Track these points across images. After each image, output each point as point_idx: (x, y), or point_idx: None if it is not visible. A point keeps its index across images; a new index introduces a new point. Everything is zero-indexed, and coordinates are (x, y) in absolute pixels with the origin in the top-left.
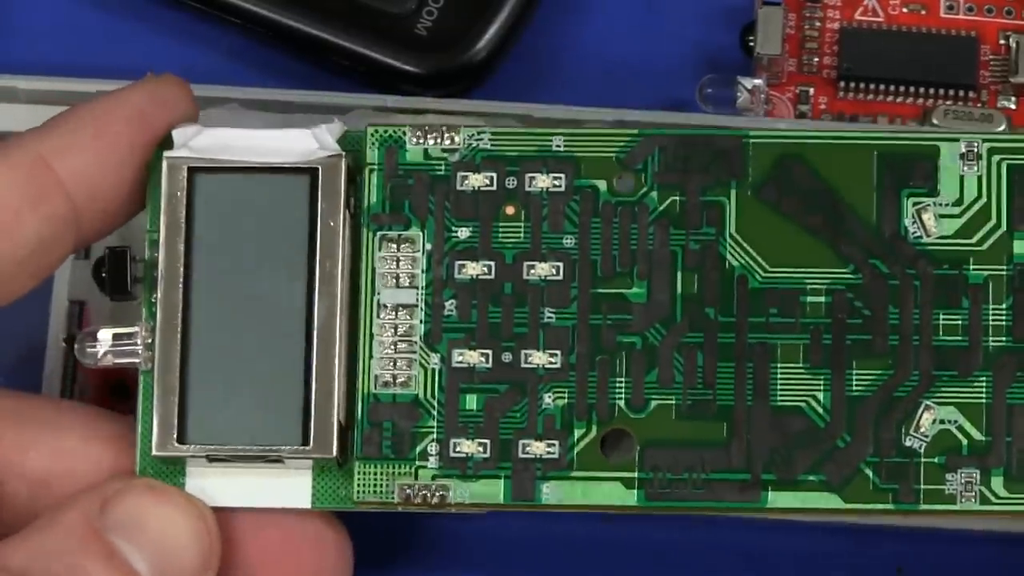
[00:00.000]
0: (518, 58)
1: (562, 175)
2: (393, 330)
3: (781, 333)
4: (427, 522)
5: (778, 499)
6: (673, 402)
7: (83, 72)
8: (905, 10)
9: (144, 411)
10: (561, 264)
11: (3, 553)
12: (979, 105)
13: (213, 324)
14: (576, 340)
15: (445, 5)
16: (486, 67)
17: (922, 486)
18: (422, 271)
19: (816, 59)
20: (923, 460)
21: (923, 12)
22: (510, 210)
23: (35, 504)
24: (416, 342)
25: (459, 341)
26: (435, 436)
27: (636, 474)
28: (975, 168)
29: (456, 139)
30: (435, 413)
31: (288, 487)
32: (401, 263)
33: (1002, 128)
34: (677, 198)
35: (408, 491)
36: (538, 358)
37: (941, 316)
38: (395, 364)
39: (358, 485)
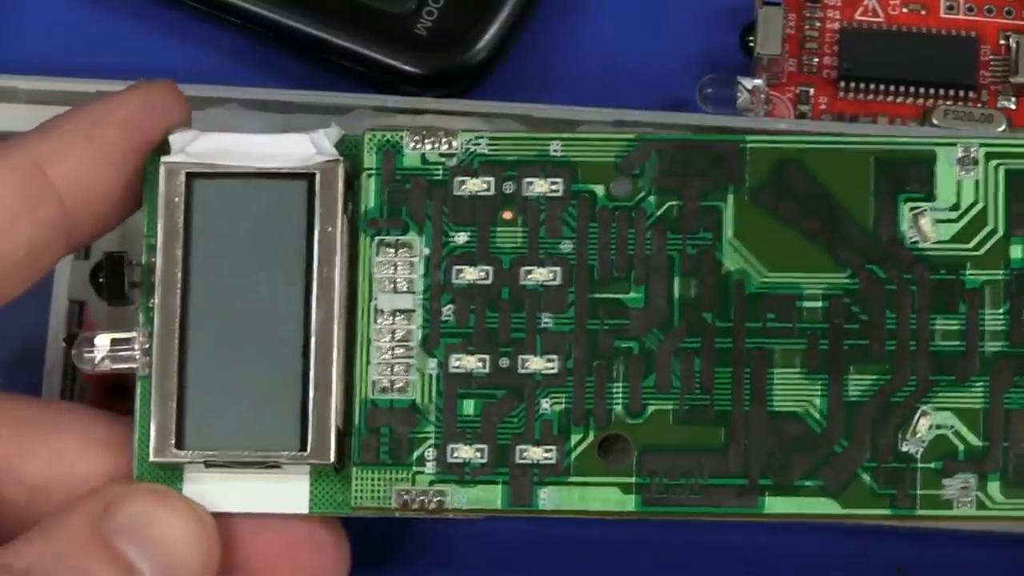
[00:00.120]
0: (518, 58)
1: (560, 180)
2: (391, 335)
3: (778, 338)
4: (424, 525)
5: (775, 504)
6: (670, 407)
7: (83, 72)
8: (905, 10)
9: (142, 417)
10: (559, 269)
11: (7, 555)
12: (979, 105)
13: (211, 330)
14: (574, 345)
15: (445, 5)
16: (486, 67)
17: (919, 491)
18: (420, 276)
19: (816, 59)
20: (920, 465)
21: (923, 12)
22: (508, 215)
23: (33, 509)
24: (414, 347)
25: (457, 346)
26: (433, 442)
27: (634, 479)
28: (972, 173)
29: (454, 144)
30: (433, 419)
31: (286, 492)
32: (399, 268)
33: (1002, 128)
34: (674, 203)
35: (406, 497)
36: (536, 363)
37: (938, 321)
38: (393, 369)
39: (356, 491)
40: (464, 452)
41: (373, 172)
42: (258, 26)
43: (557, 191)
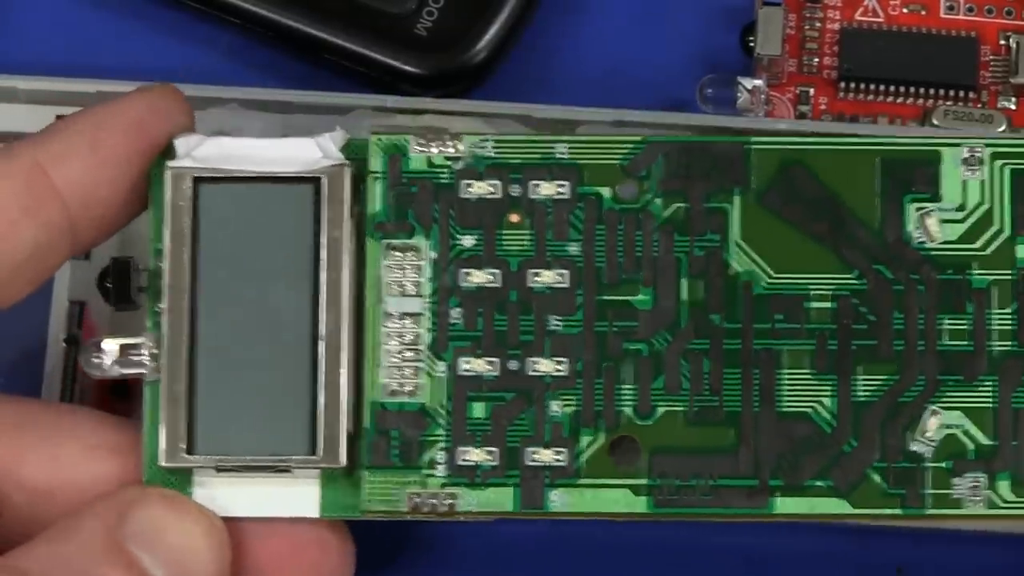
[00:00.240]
0: (518, 58)
1: (566, 182)
2: (399, 339)
3: (787, 339)
4: (429, 526)
5: (786, 505)
6: (680, 409)
7: (83, 72)
8: (905, 10)
9: (151, 422)
10: (566, 271)
11: (21, 558)
12: (979, 106)
13: (219, 334)
14: (582, 347)
15: (445, 5)
16: (486, 67)
17: (929, 491)
18: (427, 279)
19: (816, 59)
20: (930, 465)
21: (923, 12)
22: (514, 218)
23: (35, 513)
24: (422, 350)
25: (465, 349)
26: (443, 444)
27: (644, 481)
28: (978, 173)
29: (460, 147)
30: (442, 421)
31: (296, 496)
32: (406, 271)
33: (1002, 128)
34: (681, 205)
35: (416, 500)
36: (545, 366)
37: (946, 321)
38: (402, 373)
39: (366, 494)
40: (474, 455)
41: (379, 176)
42: (258, 26)
43: (564, 193)
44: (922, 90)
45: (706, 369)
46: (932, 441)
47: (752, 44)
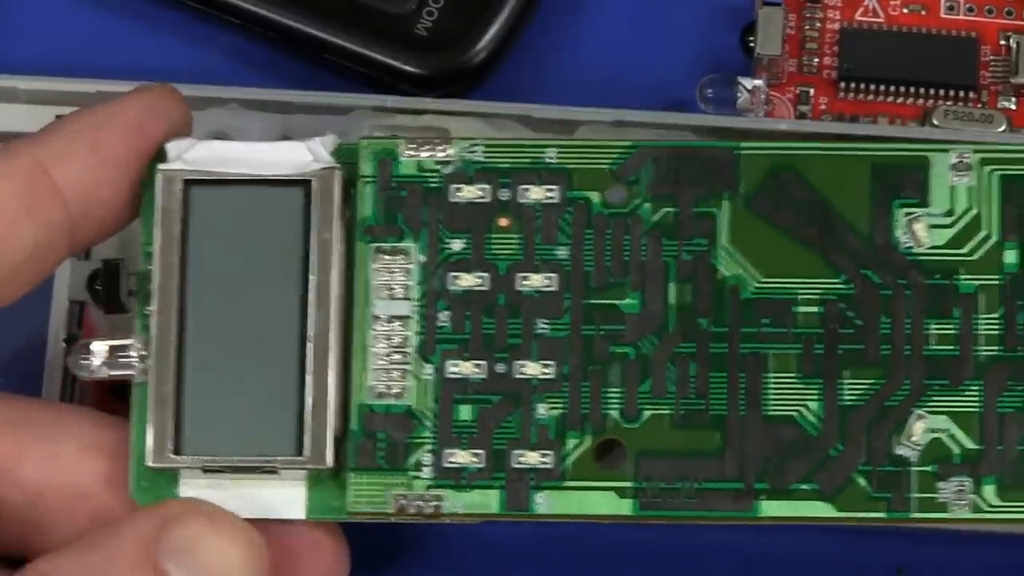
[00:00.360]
0: (518, 58)
1: (555, 187)
2: (387, 341)
3: (773, 343)
4: (421, 528)
5: (771, 508)
6: (666, 412)
7: (83, 72)
8: (905, 10)
9: (138, 423)
10: (554, 275)
11: (56, 564)
12: (979, 106)
13: (208, 336)
14: (570, 351)
15: (445, 5)
16: (486, 68)
17: (914, 494)
18: (416, 283)
19: (816, 60)
20: (915, 469)
21: (923, 12)
22: (503, 222)
23: (31, 513)
24: (410, 353)
25: (453, 352)
26: (429, 447)
27: (630, 484)
28: (966, 179)
29: (449, 151)
30: (429, 424)
31: (282, 498)
32: (395, 275)
33: (1002, 129)
34: (670, 209)
35: (402, 501)
36: (532, 369)
37: (933, 326)
38: (389, 375)
39: (352, 495)
40: (460, 457)
41: (369, 179)
42: (258, 26)
43: (553, 198)
44: (922, 90)
45: (693, 373)
46: (918, 445)
47: (752, 44)
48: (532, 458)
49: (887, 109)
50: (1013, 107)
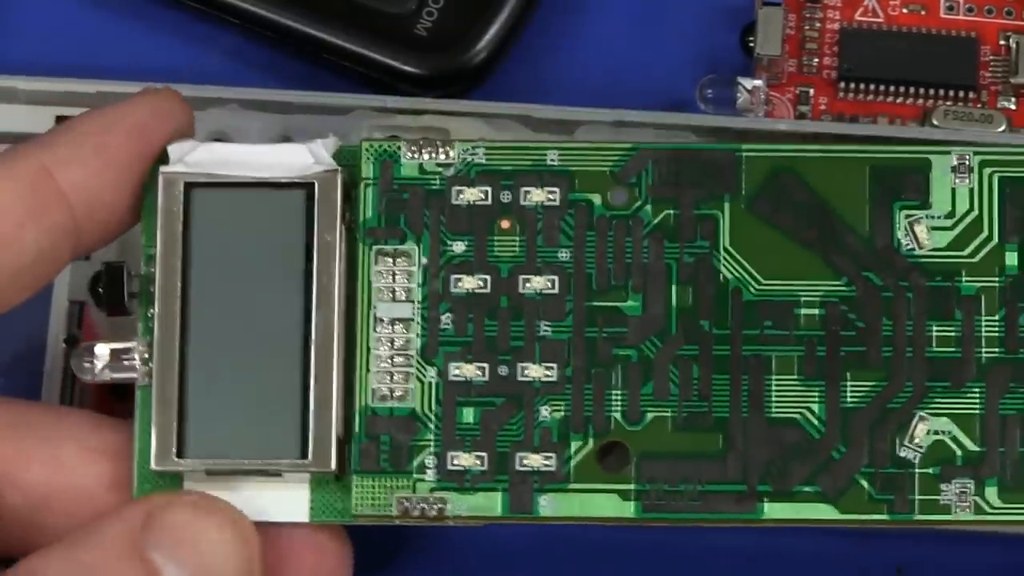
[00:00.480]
0: (518, 58)
1: (557, 189)
2: (390, 344)
3: (775, 345)
4: (425, 529)
5: (774, 510)
6: (669, 414)
7: (83, 72)
8: (905, 10)
9: (142, 426)
10: (556, 278)
11: (42, 562)
12: (979, 106)
13: (211, 339)
14: (572, 353)
15: (445, 5)
16: (486, 68)
17: (917, 496)
18: (418, 285)
19: (816, 60)
20: (917, 471)
21: (923, 12)
22: (505, 224)
23: (33, 516)
24: (413, 356)
25: (455, 355)
26: (432, 449)
27: (633, 486)
28: (967, 180)
29: (451, 153)
30: (432, 426)
31: (286, 500)
32: (397, 277)
33: (1002, 129)
34: (671, 212)
35: (406, 504)
36: (534, 371)
37: (934, 328)
38: (392, 378)
39: (356, 498)
40: (464, 460)
41: (371, 182)
42: (258, 26)
43: (554, 200)
44: (922, 90)
45: (695, 375)
46: (920, 447)
47: (752, 44)
48: (535, 460)
49: (887, 109)
50: (1013, 107)
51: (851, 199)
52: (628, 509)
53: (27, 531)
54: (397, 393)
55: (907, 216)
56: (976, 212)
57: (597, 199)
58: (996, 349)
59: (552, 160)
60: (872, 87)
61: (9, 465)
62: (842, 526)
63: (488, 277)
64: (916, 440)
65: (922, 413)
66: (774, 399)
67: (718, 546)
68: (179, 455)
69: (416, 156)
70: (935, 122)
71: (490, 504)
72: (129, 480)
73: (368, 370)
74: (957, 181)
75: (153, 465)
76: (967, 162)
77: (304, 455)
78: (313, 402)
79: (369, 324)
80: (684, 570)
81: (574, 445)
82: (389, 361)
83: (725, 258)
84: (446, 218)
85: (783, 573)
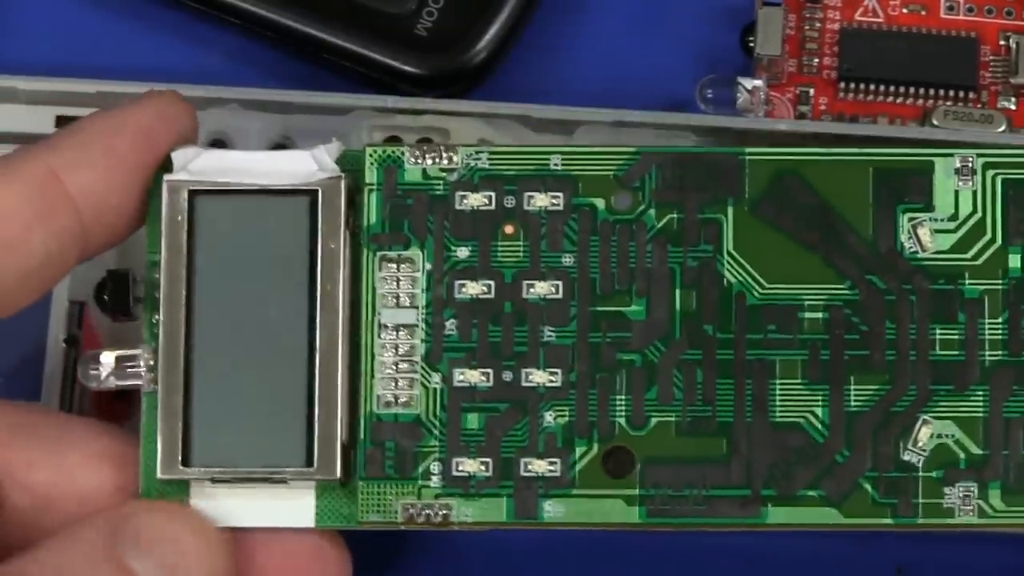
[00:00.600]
0: (518, 58)
1: (560, 194)
2: (394, 350)
3: (779, 349)
4: (427, 533)
5: (778, 515)
6: (673, 419)
7: (83, 72)
8: (905, 10)
9: (148, 433)
10: (560, 282)
11: (20, 563)
12: (979, 106)
13: (215, 346)
14: (576, 358)
15: (445, 5)
16: (486, 68)
17: (920, 500)
18: (422, 291)
19: (816, 60)
20: (921, 474)
21: (923, 12)
22: (509, 229)
23: (39, 519)
24: (417, 362)
25: (460, 360)
26: (437, 455)
27: (637, 491)
28: (970, 183)
29: (454, 159)
30: (437, 432)
31: (291, 507)
32: (401, 283)
33: (1002, 129)
34: (675, 216)
35: (411, 510)
36: (538, 376)
37: (938, 331)
38: (396, 384)
39: (361, 504)
40: (469, 465)
41: (375, 187)
42: (258, 26)
43: (558, 205)
44: (922, 90)
45: (699, 379)
46: (923, 451)
47: (752, 44)
48: (540, 466)
49: (887, 109)
50: (1013, 107)
51: (854, 202)
52: (633, 514)
53: (30, 532)
54: (402, 399)
55: (910, 219)
56: (979, 215)
57: (601, 203)
58: (999, 352)
59: (555, 165)
60: (872, 87)
61: (17, 467)
62: (845, 530)
63: (492, 282)
64: (920, 444)
65: (925, 416)
66: (778, 403)
67: (718, 546)
68: (184, 463)
69: (420, 161)
70: (935, 122)
71: (495, 510)
72: (135, 487)
73: (373, 376)
74: (960, 184)
75: (159, 474)
76: (970, 164)
77: (309, 463)
78: (318, 409)
79: (373, 330)
80: (684, 570)
81: (578, 450)
82: (394, 367)
83: (729, 262)
84: (450, 223)
85: (782, 573)
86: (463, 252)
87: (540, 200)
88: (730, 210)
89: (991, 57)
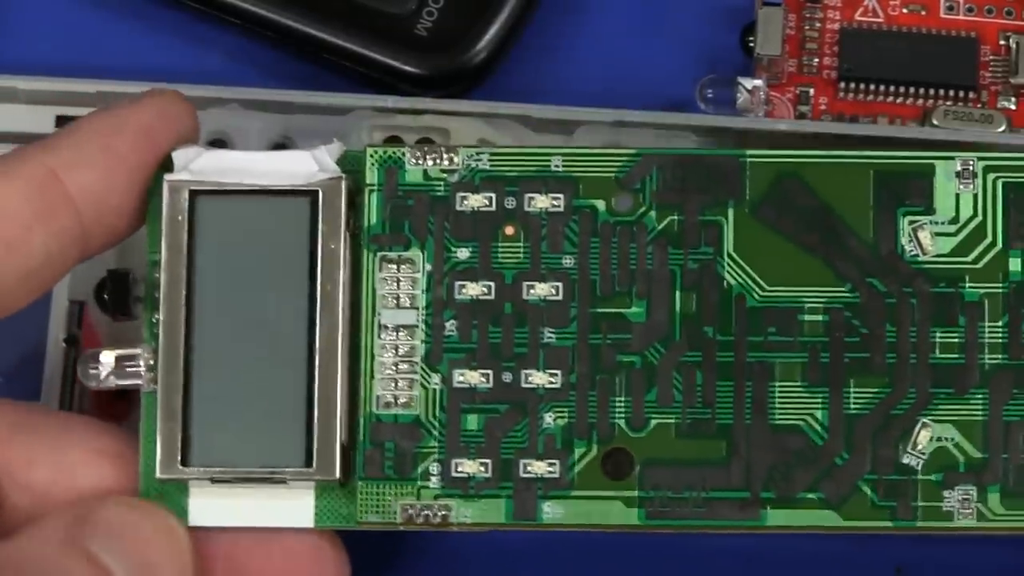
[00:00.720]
0: (518, 58)
1: (561, 195)
2: (394, 351)
3: (779, 351)
4: (426, 534)
5: (777, 517)
6: (672, 421)
7: (83, 72)
8: (905, 10)
9: (147, 432)
10: (560, 284)
11: None
12: (979, 106)
13: (215, 346)
14: (576, 360)
15: (445, 5)
16: (486, 68)
17: (920, 503)
18: (422, 292)
19: (816, 60)
20: (920, 477)
21: (923, 12)
22: (509, 230)
23: (36, 516)
24: (417, 363)
25: (460, 361)
26: (437, 456)
27: (636, 493)
28: (970, 186)
29: (455, 160)
30: (436, 433)
31: (291, 507)
32: (401, 284)
33: (1002, 129)
34: (675, 218)
35: (410, 511)
36: (538, 378)
37: (938, 334)
38: (396, 385)
39: (360, 505)
40: (468, 467)
41: (375, 188)
42: (258, 26)
43: (558, 206)
44: (922, 90)
45: (699, 381)
46: (923, 454)
47: (752, 44)
48: (539, 467)
49: (887, 109)
50: (1013, 107)
51: (855, 205)
52: (632, 516)
53: None
54: (401, 400)
55: (911, 222)
56: (980, 218)
57: (601, 205)
58: (999, 355)
59: (556, 166)
60: (872, 87)
61: (18, 465)
62: (845, 532)
63: (492, 284)
64: (919, 447)
65: (925, 419)
66: (777, 405)
67: (717, 546)
68: (184, 463)
69: (420, 162)
70: (935, 122)
71: (494, 511)
72: (134, 486)
73: (372, 377)
74: (961, 186)
75: (158, 473)
76: (971, 167)
77: (308, 463)
78: (317, 409)
79: (373, 331)
80: (684, 570)
81: (578, 452)
82: (393, 368)
83: (729, 264)
84: (450, 224)
85: (782, 573)
86: (463, 253)
87: (541, 201)
88: (731, 212)
89: (991, 57)
